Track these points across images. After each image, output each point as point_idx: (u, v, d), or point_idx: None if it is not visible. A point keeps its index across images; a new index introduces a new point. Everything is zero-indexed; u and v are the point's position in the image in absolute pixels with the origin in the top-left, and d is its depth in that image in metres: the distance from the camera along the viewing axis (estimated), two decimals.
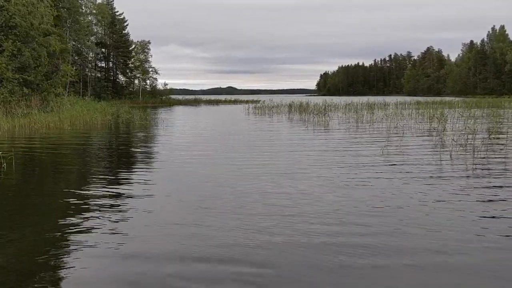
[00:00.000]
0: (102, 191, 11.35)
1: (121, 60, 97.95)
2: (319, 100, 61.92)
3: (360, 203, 9.57)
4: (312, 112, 42.42)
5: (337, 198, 10.08)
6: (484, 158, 15.42)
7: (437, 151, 17.09)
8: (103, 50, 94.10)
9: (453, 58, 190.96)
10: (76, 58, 77.12)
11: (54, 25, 45.77)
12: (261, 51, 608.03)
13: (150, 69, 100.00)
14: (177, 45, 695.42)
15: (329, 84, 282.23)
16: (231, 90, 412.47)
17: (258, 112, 51.34)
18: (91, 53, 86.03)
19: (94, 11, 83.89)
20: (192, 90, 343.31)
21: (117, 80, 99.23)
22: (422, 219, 8.45)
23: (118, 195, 10.83)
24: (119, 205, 9.87)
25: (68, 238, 7.73)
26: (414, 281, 5.97)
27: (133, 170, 14.81)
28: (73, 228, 8.29)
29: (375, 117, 36.25)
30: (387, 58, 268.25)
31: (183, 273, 6.25)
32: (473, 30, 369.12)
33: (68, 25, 62.79)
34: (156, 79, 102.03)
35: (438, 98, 76.10)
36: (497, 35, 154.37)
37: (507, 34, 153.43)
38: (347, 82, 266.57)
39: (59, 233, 8.03)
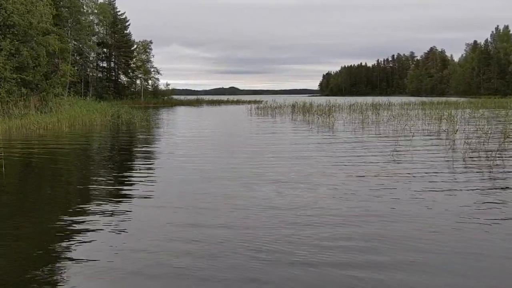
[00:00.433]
0: (98, 196, 10.89)
1: (123, 60, 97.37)
2: (322, 100, 61.13)
3: (371, 215, 8.77)
4: (316, 113, 41.58)
5: (345, 209, 9.24)
6: (499, 163, 14.51)
7: (449, 155, 16.23)
8: (105, 50, 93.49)
9: (456, 59, 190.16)
10: (77, 58, 76.53)
11: (55, 25, 45.16)
12: (263, 51, 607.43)
13: (152, 69, 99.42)
14: (179, 45, 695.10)
15: (332, 84, 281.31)
16: (233, 91, 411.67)
17: (260, 113, 50.56)
18: (92, 53, 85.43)
19: (96, 11, 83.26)
20: (194, 90, 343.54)
21: (119, 80, 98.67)
22: (449, 234, 7.67)
23: (113, 200, 10.41)
24: (114, 210, 9.46)
25: (65, 244, 7.53)
26: None
27: (131, 174, 14.04)
28: (69, 232, 8.08)
29: (381, 118, 35.39)
30: (390, 58, 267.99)
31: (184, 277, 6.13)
32: (475, 30, 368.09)
33: (70, 24, 62.13)
34: (158, 79, 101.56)
35: (443, 99, 75.18)
36: (501, 35, 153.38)
37: (511, 34, 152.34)
38: (350, 82, 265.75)
39: (54, 239, 7.81)
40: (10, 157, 17.24)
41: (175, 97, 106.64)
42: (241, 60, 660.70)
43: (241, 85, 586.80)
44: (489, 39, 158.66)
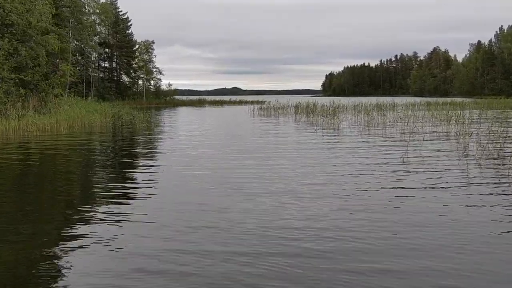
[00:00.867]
0: (94, 198, 10.34)
1: (125, 60, 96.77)
2: (325, 100, 60.25)
3: (387, 231, 7.97)
4: (320, 113, 40.77)
5: (356, 223, 8.41)
6: None
7: (463, 160, 15.42)
8: (107, 50, 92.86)
9: (460, 59, 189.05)
10: (79, 58, 75.93)
11: (56, 25, 44.48)
12: (266, 52, 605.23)
13: (154, 70, 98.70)
14: (182, 46, 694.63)
15: (335, 85, 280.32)
16: (236, 91, 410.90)
17: (263, 114, 49.80)
18: (94, 53, 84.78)
19: (98, 11, 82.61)
20: (197, 90, 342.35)
21: (121, 80, 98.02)
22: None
23: (111, 203, 10.14)
24: (111, 213, 9.21)
25: (65, 246, 7.48)
26: None
27: (129, 177, 13.30)
28: (67, 236, 8.08)
29: (387, 120, 34.54)
30: (393, 59, 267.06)
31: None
32: (478, 31, 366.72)
33: (71, 24, 61.46)
34: (160, 79, 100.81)
35: (448, 99, 74.17)
36: (505, 35, 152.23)
37: None
38: (353, 82, 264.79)
39: (52, 244, 7.67)
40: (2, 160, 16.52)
41: (177, 97, 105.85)
42: (244, 60, 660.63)
43: (243, 86, 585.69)
44: (493, 39, 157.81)
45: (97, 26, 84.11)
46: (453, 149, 18.43)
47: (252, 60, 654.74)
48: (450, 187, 11.23)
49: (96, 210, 9.60)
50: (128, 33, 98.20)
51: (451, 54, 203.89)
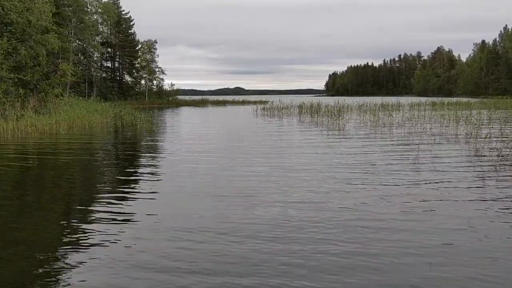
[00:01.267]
0: (93, 205, 9.97)
1: (127, 60, 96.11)
2: (329, 100, 59.51)
3: (402, 246, 7.28)
4: (324, 114, 40.04)
5: (370, 236, 7.72)
6: None
7: (478, 164, 14.70)
8: (109, 50, 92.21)
9: (464, 59, 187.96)
10: (81, 58, 75.36)
11: (58, 24, 43.92)
12: (269, 52, 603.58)
13: (157, 69, 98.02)
14: (185, 46, 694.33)
15: (338, 84, 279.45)
16: (238, 91, 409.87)
17: (266, 114, 49.07)
18: (96, 53, 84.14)
19: (100, 10, 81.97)
20: (200, 90, 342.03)
21: (123, 80, 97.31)
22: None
23: (108, 210, 9.51)
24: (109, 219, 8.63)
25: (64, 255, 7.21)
26: None
27: (127, 184, 12.62)
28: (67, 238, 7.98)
29: (394, 120, 33.79)
30: (397, 58, 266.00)
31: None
32: (482, 31, 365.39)
33: (73, 24, 60.89)
34: (162, 79, 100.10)
35: (454, 99, 73.31)
36: (509, 34, 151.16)
37: None
38: (356, 82, 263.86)
39: (52, 253, 7.34)
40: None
41: (180, 97, 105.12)
42: (247, 60, 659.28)
43: (246, 85, 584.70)
44: (497, 39, 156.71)
45: (99, 26, 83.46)
46: (466, 152, 17.64)
47: (255, 60, 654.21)
48: (468, 195, 10.47)
49: (95, 215, 9.34)
50: (131, 32, 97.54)
51: (455, 54, 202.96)
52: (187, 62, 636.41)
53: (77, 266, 6.58)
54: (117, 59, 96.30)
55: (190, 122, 41.30)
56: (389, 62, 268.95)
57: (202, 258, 6.78)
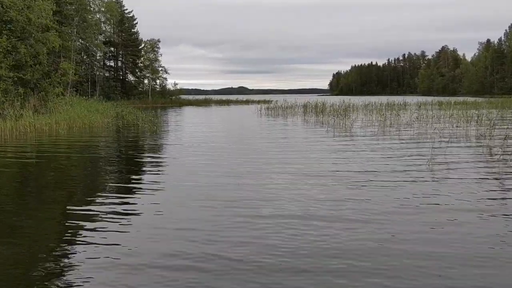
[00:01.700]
0: (93, 208, 9.41)
1: (130, 59, 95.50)
2: (335, 100, 58.62)
3: (426, 273, 6.49)
4: (330, 113, 39.22)
5: (392, 256, 6.95)
6: None
7: (498, 166, 13.89)
8: (112, 49, 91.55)
9: (468, 58, 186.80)
10: (84, 57, 74.76)
11: (60, 23, 43.22)
12: (273, 51, 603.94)
13: (160, 69, 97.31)
14: (189, 45, 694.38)
15: (342, 84, 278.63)
16: (242, 90, 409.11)
17: (271, 114, 48.24)
18: (99, 52, 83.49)
19: (103, 9, 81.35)
20: (203, 90, 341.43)
21: (126, 79, 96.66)
22: None
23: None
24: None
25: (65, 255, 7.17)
26: None
27: (126, 189, 11.88)
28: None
29: (402, 120, 32.96)
30: (401, 58, 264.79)
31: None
32: (487, 30, 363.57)
33: (76, 23, 60.28)
34: (165, 78, 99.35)
35: (460, 98, 72.49)
36: None
37: None
38: (360, 81, 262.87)
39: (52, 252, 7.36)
40: None
41: (183, 96, 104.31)
42: (250, 60, 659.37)
43: (250, 85, 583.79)
44: (502, 38, 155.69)
45: (102, 25, 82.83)
46: (483, 153, 16.84)
47: (258, 60, 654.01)
48: (493, 205, 9.65)
49: (95, 216, 9.02)
50: (134, 31, 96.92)
51: (460, 53, 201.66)
52: (190, 62, 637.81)
53: (80, 265, 6.59)
54: (120, 58, 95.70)
55: (193, 122, 40.42)
56: (393, 62, 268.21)
57: (207, 257, 6.74)
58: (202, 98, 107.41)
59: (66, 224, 8.80)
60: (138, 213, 9.34)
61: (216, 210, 9.29)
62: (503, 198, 10.09)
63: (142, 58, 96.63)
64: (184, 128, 33.08)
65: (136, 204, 10.15)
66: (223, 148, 20.18)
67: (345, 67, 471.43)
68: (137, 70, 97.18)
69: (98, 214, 9.23)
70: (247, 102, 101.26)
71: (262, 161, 15.61)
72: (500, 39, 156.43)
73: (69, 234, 8.10)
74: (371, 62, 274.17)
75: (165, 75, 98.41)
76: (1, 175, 14.23)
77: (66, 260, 6.83)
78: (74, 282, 6.02)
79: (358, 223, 8.27)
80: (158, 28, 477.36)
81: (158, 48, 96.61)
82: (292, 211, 9.15)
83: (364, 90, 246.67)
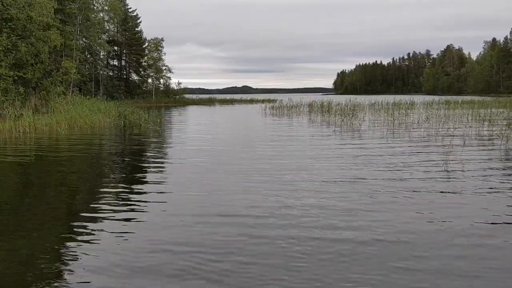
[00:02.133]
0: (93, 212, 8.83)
1: (134, 59, 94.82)
2: (339, 99, 57.77)
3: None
4: (337, 113, 38.42)
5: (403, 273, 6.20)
6: None
7: None
8: (116, 48, 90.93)
9: (474, 57, 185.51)
10: (87, 56, 74.16)
11: (63, 22, 42.60)
12: (277, 51, 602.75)
13: (164, 68, 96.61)
14: (194, 45, 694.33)
15: (347, 83, 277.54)
16: (246, 89, 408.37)
17: (275, 113, 47.45)
18: (102, 51, 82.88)
19: (106, 8, 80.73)
20: (207, 89, 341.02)
21: (130, 79, 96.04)
22: None
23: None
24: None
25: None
26: None
27: (126, 192, 11.18)
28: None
29: (411, 119, 32.13)
30: (406, 57, 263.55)
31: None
32: (493, 29, 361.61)
33: (79, 22, 59.67)
34: (169, 78, 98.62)
35: (468, 97, 71.59)
36: None
37: None
38: (365, 80, 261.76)
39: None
40: None
41: (187, 96, 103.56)
42: (254, 59, 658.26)
43: (254, 84, 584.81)
44: (508, 36, 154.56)
45: (105, 24, 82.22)
46: (501, 155, 16.06)
47: (262, 59, 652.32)
48: None
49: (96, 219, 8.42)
50: (138, 30, 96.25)
51: (465, 51, 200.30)
52: (194, 61, 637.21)
53: (80, 266, 6.60)
54: (124, 58, 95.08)
55: (197, 122, 39.59)
56: (398, 61, 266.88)
57: (213, 259, 6.71)
58: (206, 98, 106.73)
59: (66, 224, 8.83)
60: (139, 215, 9.21)
61: (223, 215, 8.96)
62: None
63: (146, 57, 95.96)
64: (188, 128, 32.33)
65: (137, 206, 9.92)
66: (227, 151, 19.44)
67: (349, 66, 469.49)
68: (140, 69, 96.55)
69: (98, 217, 9.08)
70: (251, 101, 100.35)
71: (270, 166, 14.87)
72: (506, 38, 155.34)
73: (69, 235, 8.05)
74: (376, 61, 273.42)
75: (168, 74, 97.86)
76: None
77: (66, 261, 6.82)
78: (75, 283, 6.05)
79: (383, 244, 7.51)
80: (160, 28, 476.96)
81: (162, 47, 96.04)
82: (304, 220, 8.43)
83: (369, 89, 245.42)
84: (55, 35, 36.62)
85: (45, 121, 29.03)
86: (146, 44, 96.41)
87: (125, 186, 12.18)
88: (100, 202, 10.28)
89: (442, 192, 10.51)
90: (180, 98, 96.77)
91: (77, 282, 6.07)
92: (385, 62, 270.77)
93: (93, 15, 66.16)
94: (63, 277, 6.28)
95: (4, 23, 33.22)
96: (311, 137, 23.52)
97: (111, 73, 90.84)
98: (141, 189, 11.69)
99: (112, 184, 12.46)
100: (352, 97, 67.05)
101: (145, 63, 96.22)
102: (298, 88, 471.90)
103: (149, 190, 11.40)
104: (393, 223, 8.17)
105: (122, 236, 7.86)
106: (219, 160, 16.27)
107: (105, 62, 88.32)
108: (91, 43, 70.37)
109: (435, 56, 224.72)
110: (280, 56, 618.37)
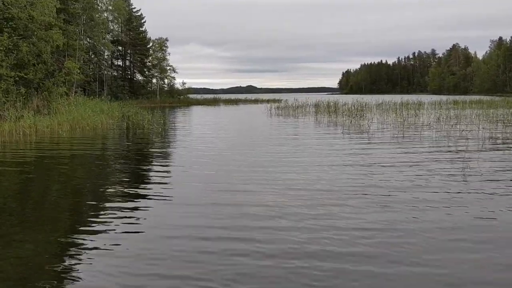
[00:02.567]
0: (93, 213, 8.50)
1: (138, 59, 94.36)
2: (345, 99, 57.04)
3: None
4: (344, 113, 37.68)
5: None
6: None
7: None
8: (120, 48, 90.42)
9: (480, 56, 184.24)
10: (92, 56, 73.68)
11: (67, 22, 42.05)
12: (281, 50, 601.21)
13: (168, 68, 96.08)
14: (198, 44, 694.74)
15: (352, 83, 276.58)
16: (251, 89, 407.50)
17: (281, 113, 46.73)
18: (106, 51, 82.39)
19: (110, 8, 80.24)
20: (212, 89, 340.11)
21: (134, 79, 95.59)
22: None
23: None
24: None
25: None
26: None
27: (126, 195, 10.52)
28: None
29: (421, 120, 31.33)
30: (411, 56, 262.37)
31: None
32: (499, 29, 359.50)
33: (83, 22, 59.16)
34: (174, 78, 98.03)
35: (475, 97, 70.68)
36: None
37: None
38: (370, 80, 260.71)
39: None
40: None
41: (191, 96, 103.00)
42: (258, 59, 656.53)
43: (258, 84, 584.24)
44: None
45: (110, 24, 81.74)
46: None
47: (267, 59, 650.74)
48: None
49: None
50: (142, 30, 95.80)
51: (471, 51, 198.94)
52: (199, 61, 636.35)
53: (80, 267, 6.60)
54: (128, 58, 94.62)
55: (202, 123, 38.79)
56: (403, 60, 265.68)
57: (216, 262, 6.69)
58: (210, 98, 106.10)
59: (68, 227, 8.86)
60: (142, 217, 9.22)
61: (229, 218, 8.90)
62: None
63: (150, 57, 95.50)
64: (192, 130, 31.60)
65: (138, 208, 9.91)
66: (236, 156, 18.74)
67: (352, 66, 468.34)
68: (145, 69, 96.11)
69: (98, 220, 9.04)
70: (256, 101, 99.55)
71: (276, 172, 14.18)
72: None
73: (72, 237, 8.06)
74: (381, 61, 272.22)
75: (173, 74, 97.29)
76: None
77: (67, 262, 6.86)
78: (78, 285, 6.06)
79: (402, 267, 6.81)
80: (163, 28, 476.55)
81: (166, 47, 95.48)
82: (314, 236, 7.74)
83: (374, 88, 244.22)
84: (57, 34, 35.99)
85: (46, 123, 28.43)
86: (151, 44, 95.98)
87: (123, 193, 11.55)
88: (99, 207, 10.06)
89: (463, 199, 9.78)
90: (184, 98, 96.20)
91: (80, 284, 6.06)
92: (390, 62, 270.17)
93: (97, 15, 65.72)
94: (65, 278, 6.27)
95: (5, 23, 32.59)
96: (318, 139, 22.75)
97: (115, 73, 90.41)
98: (142, 192, 11.50)
99: (109, 191, 11.84)
100: (358, 96, 66.37)
101: (150, 63, 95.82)
102: (303, 88, 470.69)
103: (152, 194, 11.07)
104: (409, 235, 7.46)
105: (125, 239, 7.81)
106: (225, 167, 15.54)
107: (110, 62, 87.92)
108: (95, 43, 69.91)
109: (440, 55, 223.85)
110: (283, 56, 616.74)
